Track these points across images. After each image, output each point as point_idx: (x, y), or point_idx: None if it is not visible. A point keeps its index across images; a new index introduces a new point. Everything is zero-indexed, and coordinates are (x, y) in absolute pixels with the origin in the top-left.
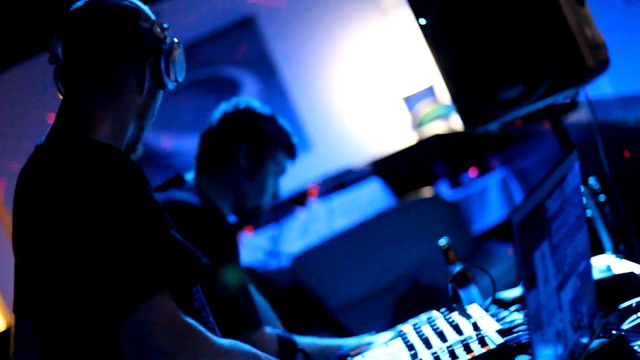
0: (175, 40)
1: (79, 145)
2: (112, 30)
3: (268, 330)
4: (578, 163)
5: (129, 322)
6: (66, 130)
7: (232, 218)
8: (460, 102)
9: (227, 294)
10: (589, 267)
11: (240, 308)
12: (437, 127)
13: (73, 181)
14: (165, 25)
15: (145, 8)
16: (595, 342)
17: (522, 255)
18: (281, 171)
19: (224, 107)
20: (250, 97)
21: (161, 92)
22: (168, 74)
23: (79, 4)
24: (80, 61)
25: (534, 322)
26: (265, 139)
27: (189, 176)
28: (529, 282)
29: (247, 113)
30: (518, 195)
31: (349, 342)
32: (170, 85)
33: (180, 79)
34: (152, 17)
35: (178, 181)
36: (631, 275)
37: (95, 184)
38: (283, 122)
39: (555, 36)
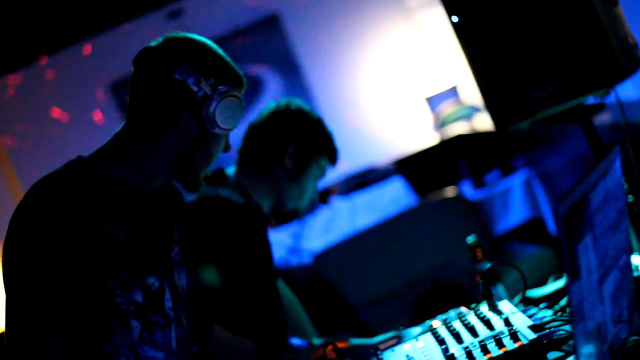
0: (223, 89)
1: (68, 182)
2: (150, 78)
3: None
4: (619, 158)
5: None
6: (93, 158)
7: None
8: (491, 100)
9: (257, 301)
10: (629, 262)
11: (266, 312)
12: (459, 128)
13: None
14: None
15: (202, 56)
16: (631, 339)
17: (567, 247)
18: (322, 175)
19: (275, 105)
20: (273, 94)
21: (216, 136)
22: (211, 123)
23: (153, 42)
24: (131, 97)
25: (576, 313)
26: (313, 143)
27: (230, 170)
28: (573, 274)
29: (298, 114)
30: (541, 197)
31: (377, 340)
32: (219, 131)
33: (226, 126)
34: (205, 66)
35: (219, 176)
36: None
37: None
38: (328, 126)
39: (587, 35)
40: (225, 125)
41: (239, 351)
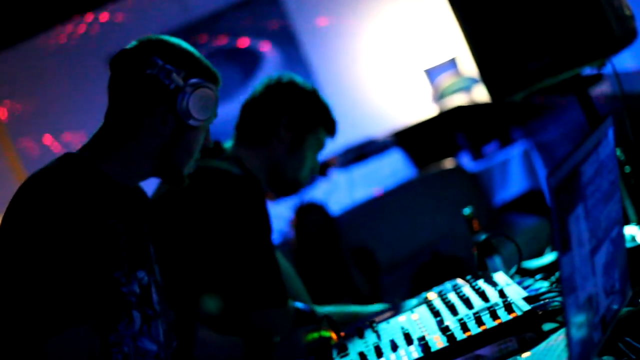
0: (194, 81)
1: (68, 176)
2: (124, 76)
3: (289, 304)
4: (612, 129)
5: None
6: (83, 154)
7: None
8: (487, 72)
9: (257, 268)
10: (621, 233)
11: (268, 284)
12: (458, 100)
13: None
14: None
15: (170, 50)
16: (623, 310)
17: (558, 218)
18: (320, 147)
19: (267, 79)
20: (272, 68)
21: (194, 129)
22: (186, 115)
23: (129, 45)
24: (110, 97)
25: (567, 285)
26: (307, 113)
27: (227, 145)
28: (564, 245)
29: (291, 87)
30: (540, 168)
31: (372, 309)
32: (194, 123)
33: (200, 117)
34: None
35: (216, 149)
36: None
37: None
38: (324, 98)
39: (583, 6)
40: (200, 116)
41: (227, 349)
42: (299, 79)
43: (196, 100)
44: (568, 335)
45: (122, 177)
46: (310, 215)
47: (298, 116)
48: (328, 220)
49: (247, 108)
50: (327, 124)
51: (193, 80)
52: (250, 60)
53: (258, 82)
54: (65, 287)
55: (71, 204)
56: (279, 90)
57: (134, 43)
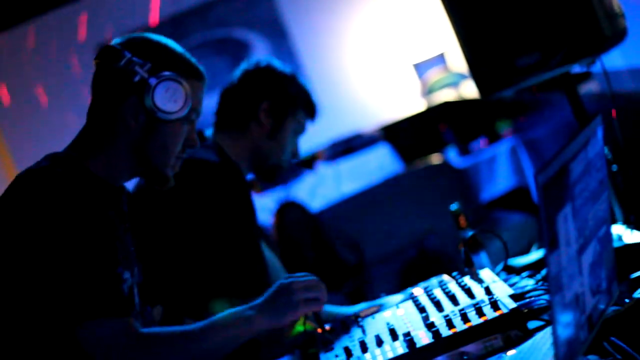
0: (167, 73)
1: (66, 177)
2: (98, 71)
3: None
4: (601, 128)
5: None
6: (70, 153)
7: (250, 176)
8: (476, 68)
9: (241, 256)
10: (609, 233)
11: (252, 272)
12: (446, 95)
13: (41, 206)
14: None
15: (139, 44)
16: (610, 309)
17: (546, 216)
18: (301, 130)
19: (245, 65)
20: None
21: (167, 123)
22: (152, 108)
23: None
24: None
25: (554, 284)
26: (286, 97)
27: (208, 132)
28: (551, 244)
29: (269, 71)
30: (527, 165)
31: (358, 308)
32: (164, 116)
33: (167, 109)
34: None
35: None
36: None
37: (60, 212)
38: (304, 81)
39: (573, 4)
40: (167, 109)
41: None
42: (277, 62)
43: (162, 93)
44: (554, 334)
45: (107, 176)
46: (290, 216)
47: (277, 100)
48: (308, 220)
49: (226, 94)
50: (307, 106)
51: (159, 74)
52: (240, 51)
53: (236, 69)
54: (90, 276)
55: (74, 198)
56: (257, 74)
57: (115, 40)
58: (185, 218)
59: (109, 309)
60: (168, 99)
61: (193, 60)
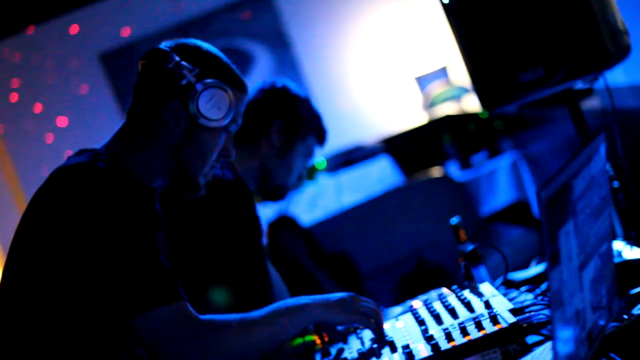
0: (210, 81)
1: (105, 172)
2: (143, 71)
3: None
4: (604, 145)
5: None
6: (110, 150)
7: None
8: (479, 82)
9: (246, 273)
10: (610, 249)
11: (258, 289)
12: (448, 108)
13: (85, 201)
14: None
15: (190, 49)
16: (610, 326)
17: (548, 232)
18: (309, 154)
19: (261, 84)
20: (263, 70)
21: (208, 130)
22: (195, 113)
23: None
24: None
25: (555, 300)
26: (299, 119)
27: None
28: (553, 260)
29: (284, 92)
30: (527, 179)
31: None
32: (206, 123)
33: (210, 116)
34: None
35: None
36: None
37: (104, 208)
38: (317, 106)
39: (577, 20)
40: (211, 116)
41: None
42: (293, 85)
43: (207, 99)
44: (554, 349)
45: (143, 175)
46: (283, 235)
47: (290, 121)
48: (301, 235)
49: None
50: (318, 131)
51: (207, 80)
52: (242, 62)
53: (251, 85)
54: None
55: (118, 193)
56: (273, 94)
57: (165, 43)
58: (194, 232)
59: (165, 296)
60: (212, 106)
61: (238, 72)
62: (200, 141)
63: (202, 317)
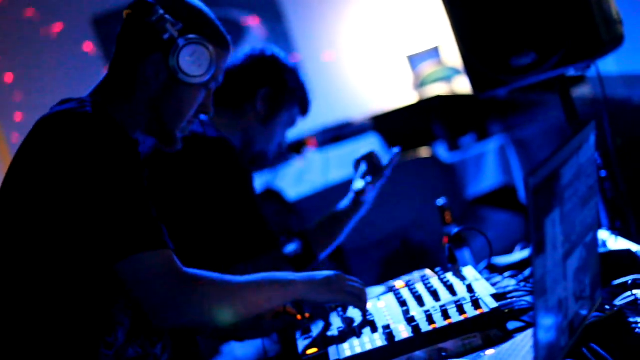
0: (192, 36)
1: (92, 117)
2: (127, 23)
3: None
4: (594, 134)
5: (132, 264)
6: (94, 98)
7: None
8: (471, 65)
9: (245, 216)
10: (595, 239)
11: (261, 228)
12: (439, 89)
13: (75, 148)
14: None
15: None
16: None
17: (534, 220)
18: (291, 124)
19: (250, 50)
20: (254, 42)
21: (187, 87)
22: (175, 69)
23: None
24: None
25: (539, 287)
26: (285, 89)
27: None
28: (538, 247)
29: (273, 60)
30: (515, 164)
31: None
32: (185, 79)
33: (190, 72)
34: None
35: None
36: (627, 252)
37: (95, 154)
38: (304, 77)
39: (572, 7)
40: (190, 72)
41: None
42: (282, 54)
43: (187, 55)
44: (535, 337)
45: (125, 125)
46: (267, 204)
47: (277, 89)
48: (285, 208)
49: (227, 74)
50: (302, 102)
51: (189, 36)
52: (235, 33)
53: (239, 51)
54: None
55: (107, 137)
56: (262, 61)
57: None
58: (178, 189)
59: (152, 242)
60: (192, 62)
61: (222, 28)
62: (178, 96)
63: (187, 269)
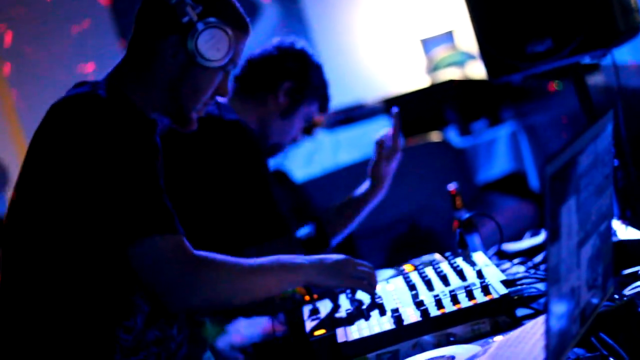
0: (212, 20)
1: (104, 100)
2: (146, 2)
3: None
4: (612, 123)
5: (142, 247)
6: (110, 81)
7: None
8: (486, 50)
9: (259, 199)
10: (609, 228)
11: (274, 212)
12: (452, 73)
13: (91, 132)
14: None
15: None
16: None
17: (550, 207)
18: (309, 120)
19: (280, 40)
20: (269, 20)
21: (205, 69)
22: (194, 52)
23: None
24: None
25: (552, 275)
26: (309, 85)
27: None
28: (553, 235)
29: (301, 55)
30: (526, 151)
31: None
32: (203, 62)
33: (209, 56)
34: None
35: None
36: (637, 242)
37: (110, 138)
38: (327, 76)
39: None
40: (208, 56)
41: None
42: (310, 49)
43: (206, 39)
44: (547, 325)
45: (142, 106)
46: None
47: (300, 84)
48: (292, 189)
49: (253, 63)
50: (322, 100)
51: (208, 19)
52: (249, 12)
53: (261, 33)
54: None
55: (121, 121)
56: (290, 54)
57: None
58: (193, 170)
59: (162, 226)
60: (211, 46)
61: (242, 11)
62: (196, 79)
63: (198, 252)
